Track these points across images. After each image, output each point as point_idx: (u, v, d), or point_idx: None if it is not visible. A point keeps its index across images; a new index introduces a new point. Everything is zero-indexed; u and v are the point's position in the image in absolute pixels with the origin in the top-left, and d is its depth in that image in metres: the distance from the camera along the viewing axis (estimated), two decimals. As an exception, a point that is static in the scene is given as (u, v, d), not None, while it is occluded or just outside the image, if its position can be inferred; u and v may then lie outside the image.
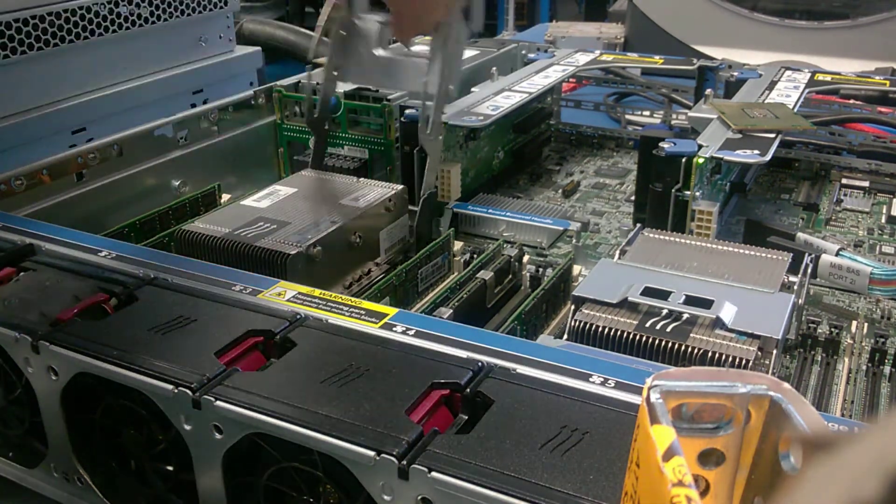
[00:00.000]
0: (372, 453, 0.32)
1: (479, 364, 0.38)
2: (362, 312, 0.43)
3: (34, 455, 0.46)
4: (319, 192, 0.64)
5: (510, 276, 0.61)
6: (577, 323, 0.46)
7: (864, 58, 1.23)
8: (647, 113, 1.05)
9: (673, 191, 0.61)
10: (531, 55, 0.99)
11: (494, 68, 0.85)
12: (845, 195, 0.82)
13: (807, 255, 0.53)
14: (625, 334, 0.45)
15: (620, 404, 0.35)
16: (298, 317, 0.42)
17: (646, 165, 0.65)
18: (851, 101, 0.97)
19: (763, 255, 0.53)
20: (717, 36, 1.35)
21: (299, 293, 0.45)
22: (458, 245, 0.65)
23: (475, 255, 0.64)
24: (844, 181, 0.84)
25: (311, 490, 0.37)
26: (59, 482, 0.45)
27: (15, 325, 0.42)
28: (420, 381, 0.37)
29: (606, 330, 0.45)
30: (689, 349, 0.43)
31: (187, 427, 0.37)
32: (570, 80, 0.99)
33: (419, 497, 0.32)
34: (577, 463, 0.32)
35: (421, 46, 0.70)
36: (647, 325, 0.45)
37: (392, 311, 0.43)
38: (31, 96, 0.78)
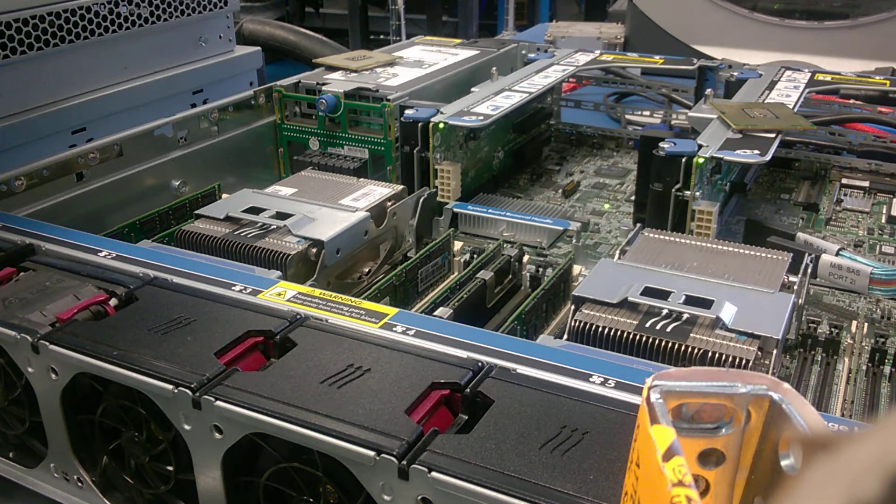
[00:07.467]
0: (372, 453, 0.32)
1: (479, 364, 0.38)
2: (362, 312, 0.43)
3: (34, 455, 0.46)
4: (319, 193, 0.64)
5: (510, 276, 0.61)
6: (577, 323, 0.46)
7: (864, 58, 1.23)
8: (647, 113, 1.04)
9: (673, 191, 0.61)
10: (531, 55, 0.99)
11: (494, 68, 0.85)
12: (845, 195, 0.82)
13: (807, 255, 0.53)
14: (625, 334, 0.45)
15: (620, 404, 0.35)
16: (298, 317, 0.42)
17: (646, 165, 0.65)
18: (851, 101, 0.97)
19: (763, 255, 0.53)
20: (717, 36, 1.35)
21: (299, 293, 0.45)
22: (458, 245, 0.65)
23: (475, 255, 0.64)
24: (844, 181, 0.84)
25: (311, 490, 0.37)
26: (59, 482, 0.45)
27: (15, 325, 0.42)
28: (420, 381, 0.37)
29: (606, 330, 0.45)
30: (689, 349, 0.43)
31: (187, 427, 0.37)
32: (570, 80, 0.99)
33: (419, 497, 0.32)
34: (577, 463, 0.32)
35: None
36: (647, 325, 0.45)
37: (392, 311, 0.43)
38: (32, 96, 0.78)
